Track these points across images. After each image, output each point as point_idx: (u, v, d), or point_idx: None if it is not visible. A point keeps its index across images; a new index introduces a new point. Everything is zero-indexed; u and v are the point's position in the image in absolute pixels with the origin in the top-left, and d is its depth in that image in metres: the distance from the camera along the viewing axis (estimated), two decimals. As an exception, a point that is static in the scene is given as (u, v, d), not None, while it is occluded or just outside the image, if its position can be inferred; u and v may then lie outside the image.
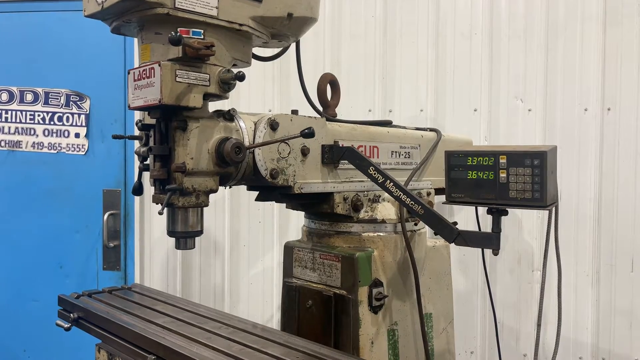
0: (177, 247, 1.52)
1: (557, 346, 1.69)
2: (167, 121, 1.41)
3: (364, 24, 2.90)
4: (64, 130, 3.13)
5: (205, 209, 1.52)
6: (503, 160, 1.45)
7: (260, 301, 3.01)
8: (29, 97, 3.11)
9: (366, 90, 2.90)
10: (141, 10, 1.33)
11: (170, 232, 1.51)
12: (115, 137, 1.62)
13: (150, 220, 3.05)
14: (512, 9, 2.82)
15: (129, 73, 1.42)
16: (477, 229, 2.22)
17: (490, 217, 1.52)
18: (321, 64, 2.89)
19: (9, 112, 3.13)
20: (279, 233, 2.97)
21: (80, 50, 3.10)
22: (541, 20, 2.78)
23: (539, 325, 1.58)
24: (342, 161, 1.70)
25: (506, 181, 1.45)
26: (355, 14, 2.91)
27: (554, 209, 1.52)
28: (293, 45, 1.82)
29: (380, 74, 2.89)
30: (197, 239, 1.56)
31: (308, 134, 1.49)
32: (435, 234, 1.59)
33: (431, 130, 2.13)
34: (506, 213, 1.49)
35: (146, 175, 1.52)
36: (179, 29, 1.30)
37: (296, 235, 2.00)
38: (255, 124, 1.53)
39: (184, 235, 1.50)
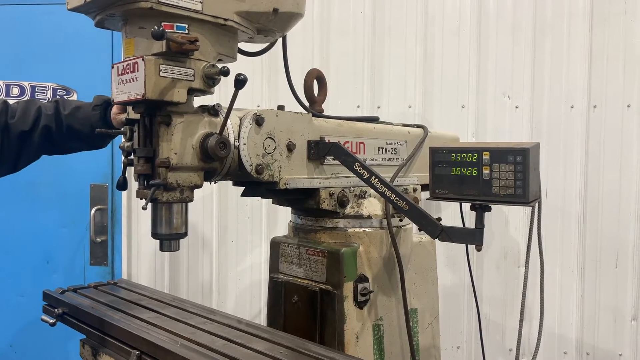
0: (162, 249, 1.51)
1: (539, 341, 1.71)
2: (151, 116, 1.41)
3: (353, 20, 2.90)
4: (51, 125, 3.10)
5: (193, 204, 1.52)
6: (486, 156, 1.46)
7: (248, 297, 3.02)
8: (15, 90, 3.08)
9: (355, 86, 2.91)
10: (124, 3, 1.32)
11: (154, 235, 1.50)
12: (99, 131, 1.61)
13: (138, 215, 3.04)
14: (500, 5, 2.83)
15: (112, 67, 1.41)
16: (463, 225, 2.24)
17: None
18: (310, 60, 2.89)
19: (-5, 106, 3.10)
20: (267, 229, 2.97)
21: (67, 43, 3.07)
22: (529, 18, 2.80)
23: (521, 320, 1.60)
24: (328, 157, 1.70)
25: (489, 177, 1.46)
26: (344, 10, 2.91)
27: (536, 205, 1.54)
28: (280, 41, 1.82)
29: (368, 70, 2.90)
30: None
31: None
32: (420, 229, 1.60)
33: (418, 126, 2.14)
34: (489, 209, 1.50)
35: (131, 170, 1.51)
36: (162, 24, 1.30)
37: (284, 231, 2.00)
38: (240, 119, 1.53)
39: (168, 237, 1.49)
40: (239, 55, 1.65)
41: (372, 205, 1.82)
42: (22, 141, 1.85)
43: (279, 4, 1.54)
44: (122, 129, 1.54)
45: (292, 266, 1.82)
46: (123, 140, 1.56)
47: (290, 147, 1.61)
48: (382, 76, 2.90)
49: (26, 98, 3.08)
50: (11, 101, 1.93)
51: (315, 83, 1.95)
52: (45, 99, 3.09)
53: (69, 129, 1.88)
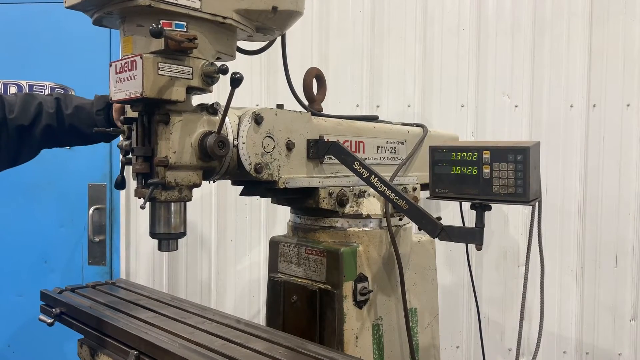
0: (160, 249, 1.51)
1: (540, 340, 1.70)
2: (150, 114, 1.40)
3: (352, 19, 2.90)
4: (49, 124, 3.08)
5: (191, 203, 1.51)
6: (486, 155, 1.45)
7: (247, 296, 3.01)
8: (13, 89, 3.06)
9: (354, 85, 2.90)
10: (122, 1, 1.31)
11: (153, 234, 1.49)
12: (97, 130, 1.60)
13: (136, 214, 3.03)
14: (500, 5, 2.83)
15: (110, 66, 1.40)
16: (462, 224, 2.23)
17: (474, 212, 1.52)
18: (309, 59, 2.88)
19: (-7, 105, 3.08)
20: (266, 228, 2.96)
21: (65, 42, 3.06)
22: (528, 17, 2.80)
23: (521, 320, 1.59)
24: (327, 156, 1.69)
25: (489, 176, 1.45)
26: (343, 9, 2.90)
27: (537, 204, 1.53)
28: (279, 39, 1.81)
29: (368, 69, 2.89)
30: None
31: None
32: (420, 229, 1.59)
33: (417, 125, 2.13)
34: (489, 208, 1.49)
35: (129, 169, 1.50)
36: (161, 21, 1.29)
37: (283, 231, 1.99)
38: (239, 118, 1.52)
39: (167, 237, 1.48)
40: (237, 53, 1.64)
41: (372, 205, 1.81)
42: (21, 136, 1.81)
43: (278, 2, 1.53)
44: (121, 128, 1.53)
45: (291, 266, 1.81)
46: (121, 139, 1.55)
47: (290, 146, 1.60)
48: (382, 75, 2.89)
49: (23, 95, 3.07)
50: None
51: (314, 82, 1.94)
52: (43, 98, 3.08)
53: (71, 127, 1.84)
